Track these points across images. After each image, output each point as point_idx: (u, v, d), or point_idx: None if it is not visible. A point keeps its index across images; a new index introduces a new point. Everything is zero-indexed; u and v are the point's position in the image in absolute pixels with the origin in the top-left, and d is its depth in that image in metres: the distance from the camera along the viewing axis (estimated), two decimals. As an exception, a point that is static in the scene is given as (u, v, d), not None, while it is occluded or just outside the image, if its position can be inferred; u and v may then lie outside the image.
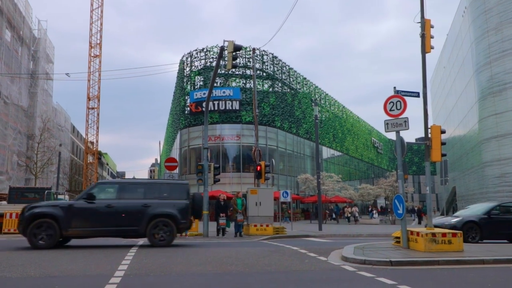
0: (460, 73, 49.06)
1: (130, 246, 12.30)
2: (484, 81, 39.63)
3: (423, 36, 11.81)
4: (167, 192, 12.85)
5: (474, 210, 16.14)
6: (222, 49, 17.28)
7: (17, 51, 42.40)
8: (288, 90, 51.71)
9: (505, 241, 15.02)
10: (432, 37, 11.89)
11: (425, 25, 11.83)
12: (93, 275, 7.30)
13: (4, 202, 24.75)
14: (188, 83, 47.34)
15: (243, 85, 46.09)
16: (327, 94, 63.01)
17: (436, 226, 13.26)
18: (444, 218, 16.41)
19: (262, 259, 9.51)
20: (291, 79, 52.81)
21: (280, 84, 49.74)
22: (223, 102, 44.89)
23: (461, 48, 48.05)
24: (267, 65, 48.25)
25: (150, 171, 55.15)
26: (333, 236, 19.84)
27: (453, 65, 53.50)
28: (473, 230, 14.46)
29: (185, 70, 48.00)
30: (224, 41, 16.48)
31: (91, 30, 62.37)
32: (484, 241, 14.48)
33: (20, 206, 21.66)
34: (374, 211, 45.29)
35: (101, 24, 62.85)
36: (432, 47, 11.87)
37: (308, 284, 6.68)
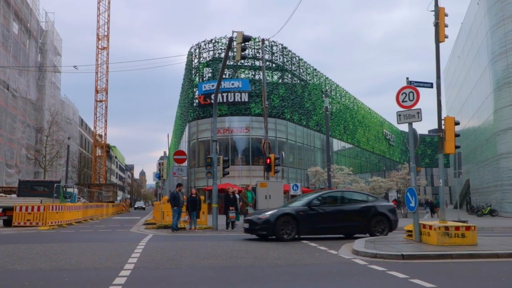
0: (475, 63, 47.99)
1: (140, 240, 12.35)
2: (499, 71, 38.82)
3: (436, 25, 11.57)
4: None
5: (299, 201, 13.92)
6: (230, 40, 16.97)
7: (24, 44, 42.26)
8: (298, 81, 51.06)
9: (327, 235, 12.99)
10: (446, 26, 11.65)
11: (439, 13, 11.57)
12: (103, 268, 7.35)
13: (14, 196, 24.82)
14: (197, 75, 46.95)
15: (252, 76, 45.57)
16: (338, 85, 62.19)
17: (247, 221, 12.88)
18: (258, 210, 14.51)
19: (272, 252, 9.46)
20: (301, 70, 52.11)
21: (290, 75, 49.11)
22: (232, 94, 44.43)
23: (476, 37, 46.92)
24: (277, 56, 47.63)
25: (159, 164, 54.80)
26: None
27: (467, 54, 52.33)
28: (288, 225, 12.14)
29: (193, 62, 47.62)
30: (233, 32, 16.21)
31: (98, 21, 62.27)
32: (302, 236, 12.58)
33: (30, 200, 21.72)
34: None
35: (109, 15, 62.72)
36: (446, 36, 11.63)
37: (318, 277, 6.66)
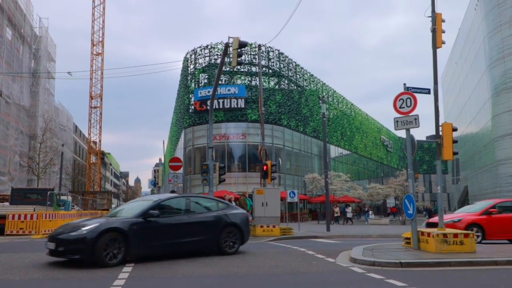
0: (473, 69, 47.93)
1: None
2: (497, 77, 38.77)
3: (434, 31, 11.53)
4: None
5: (130, 209, 10.14)
6: (226, 45, 16.68)
7: (18, 50, 41.78)
8: (295, 87, 50.79)
9: (168, 254, 9.76)
10: (443, 31, 11.63)
11: (436, 19, 11.56)
12: (97, 277, 7.30)
13: (7, 203, 24.54)
14: (192, 81, 46.60)
15: (248, 82, 45.24)
16: (335, 91, 61.95)
17: (53, 239, 8.60)
18: (72, 223, 9.79)
19: (269, 260, 9.45)
20: (298, 76, 51.86)
21: (286, 81, 48.83)
22: (228, 100, 44.06)
23: (473, 42, 46.88)
24: (273, 62, 47.37)
25: (154, 171, 54.45)
26: (341, 237, 19.59)
27: (465, 60, 52.31)
28: (115, 244, 8.52)
29: (189, 68, 47.29)
30: (229, 37, 16.02)
31: (93, 27, 61.82)
32: (129, 260, 8.99)
33: (23, 208, 21.33)
34: (370, 212, 43.43)
35: (103, 21, 62.29)
36: (443, 42, 11.60)
37: (316, 286, 6.66)
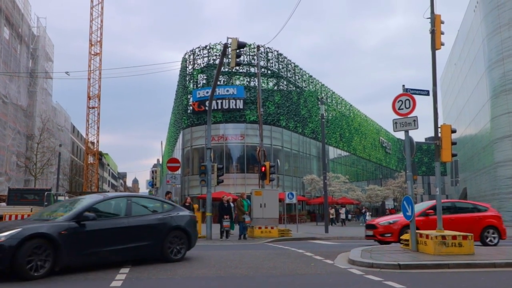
0: (472, 70, 47.90)
1: None
2: (496, 78, 38.76)
3: (433, 32, 11.55)
4: None
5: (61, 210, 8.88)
6: (225, 46, 16.78)
7: (15, 49, 41.54)
8: (294, 88, 50.67)
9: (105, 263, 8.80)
10: (442, 33, 11.65)
11: (435, 20, 11.57)
12: (94, 278, 7.24)
13: (4, 204, 24.54)
14: (191, 81, 46.47)
15: (247, 83, 45.12)
16: (333, 93, 61.84)
17: None
18: None
19: (267, 262, 9.41)
20: (297, 77, 51.75)
21: (285, 82, 48.71)
22: (227, 101, 43.92)
23: (472, 44, 46.85)
24: (272, 63, 47.26)
25: (152, 172, 54.26)
26: (340, 238, 19.61)
27: (464, 62, 52.28)
28: (41, 252, 7.31)
29: (187, 68, 47.17)
30: (228, 38, 16.06)
31: (91, 27, 61.49)
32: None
33: (20, 208, 21.23)
34: (368, 213, 42.91)
35: (102, 21, 61.98)
36: (442, 44, 11.62)
37: None
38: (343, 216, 39.50)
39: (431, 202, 14.95)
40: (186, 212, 10.32)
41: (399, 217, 14.10)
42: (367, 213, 42.79)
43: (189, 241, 9.78)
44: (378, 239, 13.82)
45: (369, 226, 14.46)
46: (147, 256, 9.12)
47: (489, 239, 13.87)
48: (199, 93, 44.50)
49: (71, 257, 7.71)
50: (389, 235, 13.50)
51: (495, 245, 13.53)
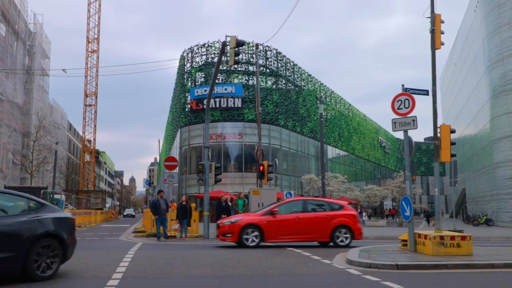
0: (471, 70, 47.67)
1: (129, 248, 12.08)
2: (496, 79, 38.57)
3: (433, 32, 11.52)
4: None
5: None
6: (224, 44, 16.75)
7: (12, 46, 41.23)
8: (292, 87, 50.39)
9: None
10: (442, 32, 11.64)
11: (435, 20, 11.53)
12: (90, 277, 7.22)
13: None
14: (189, 79, 46.15)
15: (245, 82, 44.83)
16: (332, 92, 61.59)
17: None
18: None
19: (264, 262, 9.37)
20: (296, 76, 51.46)
21: (284, 81, 48.41)
22: (225, 99, 43.62)
23: (472, 44, 46.62)
24: (271, 61, 46.96)
25: (149, 170, 53.90)
26: None
27: (464, 61, 52.05)
28: None
29: (185, 66, 46.85)
30: (226, 36, 15.94)
31: (88, 24, 61.15)
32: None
33: None
34: (364, 214, 42.41)
35: (99, 18, 61.64)
36: (442, 43, 11.61)
37: None
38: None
39: (282, 201, 14.47)
40: (61, 214, 7.75)
41: (241, 216, 13.63)
42: (364, 213, 42.41)
43: (64, 252, 7.24)
44: (220, 239, 13.18)
45: (217, 226, 13.88)
46: (2, 273, 6.50)
47: (340, 239, 13.00)
48: (197, 91, 44.20)
49: None
50: (229, 235, 12.78)
51: (347, 245, 12.67)
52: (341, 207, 13.90)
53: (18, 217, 6.89)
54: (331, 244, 13.09)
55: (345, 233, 13.11)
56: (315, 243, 13.61)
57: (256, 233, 12.66)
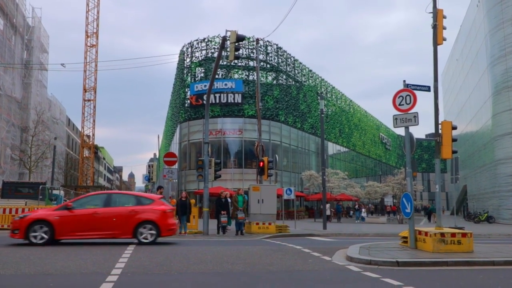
0: (474, 66, 47.35)
1: (128, 244, 11.90)
2: (498, 75, 38.29)
3: (435, 27, 11.44)
4: None
5: None
6: (224, 39, 16.64)
7: (10, 40, 40.91)
8: (293, 82, 50.07)
9: None
10: (444, 28, 11.55)
11: (437, 15, 11.44)
12: (89, 273, 7.25)
13: None
14: (189, 74, 45.83)
15: (245, 77, 44.51)
16: (333, 87, 61.26)
17: None
18: None
19: (264, 258, 9.41)
20: (296, 71, 51.13)
21: (284, 76, 48.08)
22: (225, 94, 43.34)
23: (475, 40, 46.26)
24: (271, 57, 46.63)
25: (148, 166, 53.65)
26: (338, 235, 19.68)
27: (466, 57, 51.68)
28: None
29: (185, 61, 46.53)
30: (227, 31, 15.83)
31: (87, 18, 60.90)
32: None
33: (14, 202, 20.90)
34: (363, 210, 41.83)
35: (98, 12, 61.46)
36: (444, 39, 11.54)
37: (311, 284, 6.64)
38: (328, 212, 38.17)
39: (88, 194, 13.81)
40: None
41: (30, 212, 12.89)
42: (363, 209, 42.06)
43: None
44: (11, 235, 12.02)
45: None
46: None
47: (144, 235, 12.12)
48: (196, 87, 43.90)
49: None
50: (17, 231, 11.74)
51: (152, 242, 11.97)
52: (151, 202, 12.78)
53: None
54: (136, 241, 12.21)
55: (151, 229, 12.19)
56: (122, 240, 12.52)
57: (45, 229, 11.63)
